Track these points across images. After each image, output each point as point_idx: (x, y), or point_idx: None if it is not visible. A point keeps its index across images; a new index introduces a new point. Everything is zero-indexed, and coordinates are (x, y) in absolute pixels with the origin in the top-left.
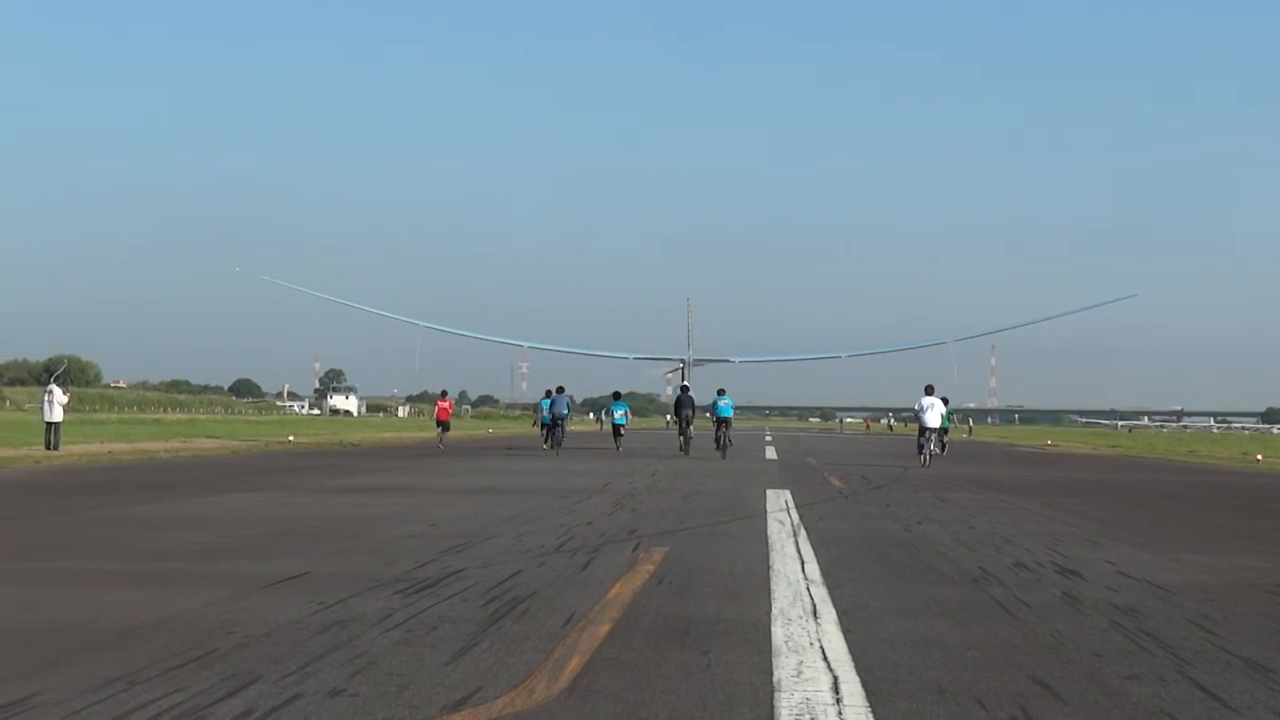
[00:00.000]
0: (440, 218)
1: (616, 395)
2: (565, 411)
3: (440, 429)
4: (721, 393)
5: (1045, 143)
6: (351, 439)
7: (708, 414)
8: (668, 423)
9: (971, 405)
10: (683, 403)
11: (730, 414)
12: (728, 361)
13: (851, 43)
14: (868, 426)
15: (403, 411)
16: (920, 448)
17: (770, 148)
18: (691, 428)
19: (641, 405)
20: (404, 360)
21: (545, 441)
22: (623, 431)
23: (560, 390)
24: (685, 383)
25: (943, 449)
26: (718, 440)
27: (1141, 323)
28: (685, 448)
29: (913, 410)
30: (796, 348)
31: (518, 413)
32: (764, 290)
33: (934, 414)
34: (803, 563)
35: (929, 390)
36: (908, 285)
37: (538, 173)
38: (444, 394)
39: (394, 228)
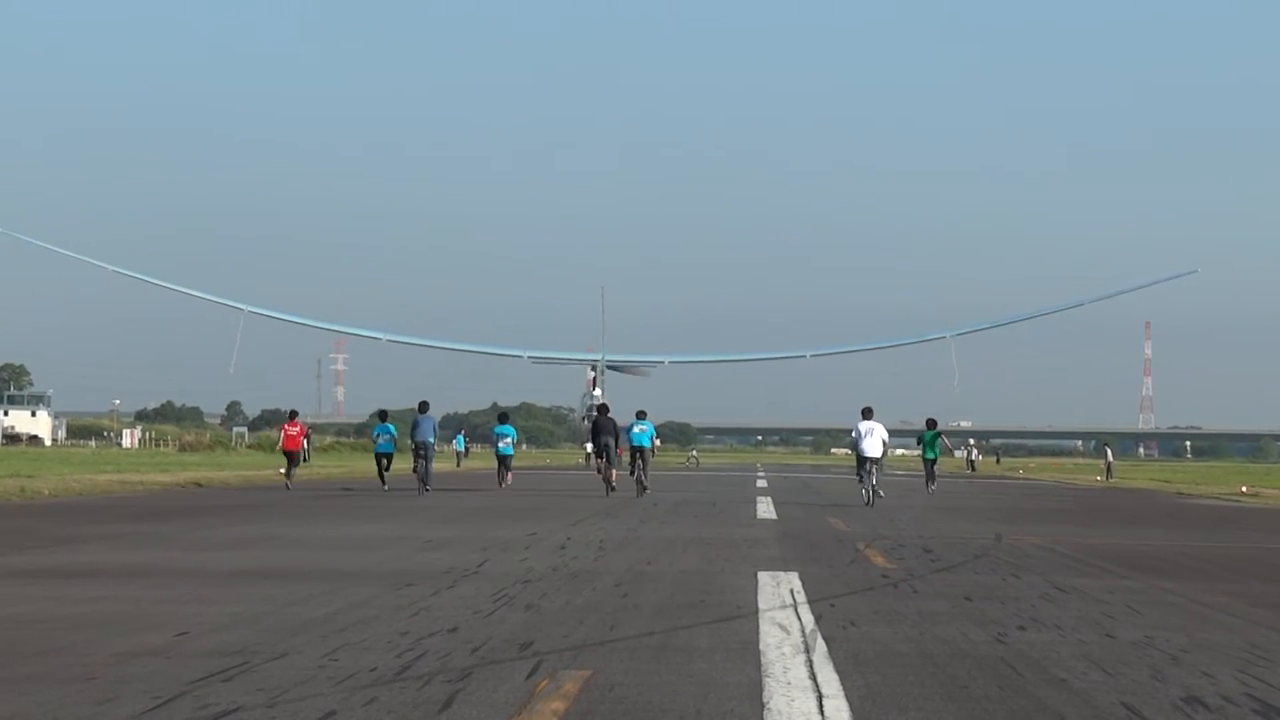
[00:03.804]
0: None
1: (502, 417)
2: (431, 439)
3: (289, 464)
4: (641, 415)
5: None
6: (43, 485)
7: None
8: (587, 457)
9: (1107, 429)
10: (601, 427)
11: (649, 443)
12: (657, 363)
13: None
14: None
15: (130, 437)
16: (860, 480)
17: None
18: (615, 463)
19: (544, 429)
20: (136, 353)
21: (384, 483)
22: (510, 464)
23: (424, 408)
24: (601, 399)
25: (932, 481)
26: (632, 470)
27: None
28: (609, 484)
29: (851, 436)
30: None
31: (329, 439)
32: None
33: (874, 441)
34: (821, 699)
35: (866, 413)
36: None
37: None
38: (293, 415)
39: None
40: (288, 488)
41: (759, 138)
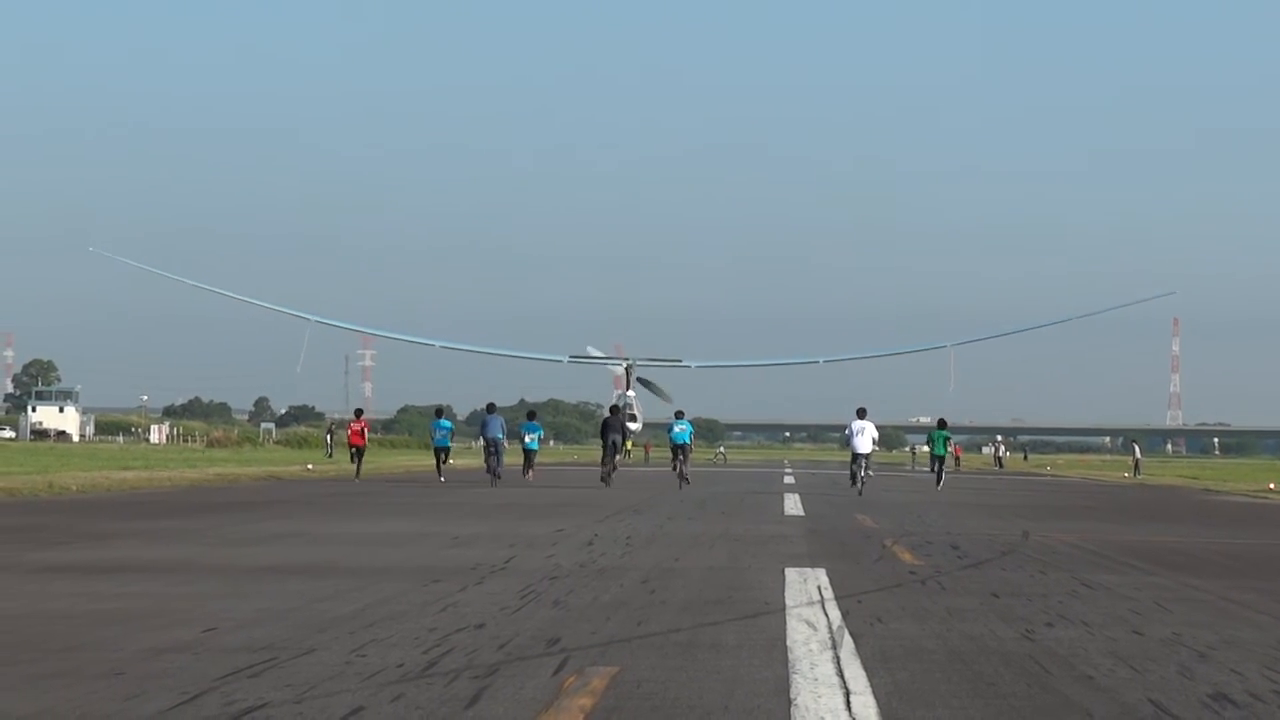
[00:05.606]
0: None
1: (530, 415)
2: (500, 436)
3: (355, 458)
4: (679, 415)
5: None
6: (70, 481)
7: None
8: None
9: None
10: (610, 426)
11: (688, 440)
12: (683, 366)
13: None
14: (958, 458)
15: (158, 433)
16: (852, 476)
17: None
18: (619, 456)
19: (571, 424)
20: (164, 349)
21: (441, 475)
22: (534, 460)
23: (492, 409)
24: (622, 401)
25: (940, 478)
26: (674, 467)
27: None
28: (606, 479)
29: (926, 436)
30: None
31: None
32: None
33: (864, 439)
34: (848, 696)
35: (860, 413)
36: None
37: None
38: (359, 413)
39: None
40: (356, 480)
41: (759, 134)
